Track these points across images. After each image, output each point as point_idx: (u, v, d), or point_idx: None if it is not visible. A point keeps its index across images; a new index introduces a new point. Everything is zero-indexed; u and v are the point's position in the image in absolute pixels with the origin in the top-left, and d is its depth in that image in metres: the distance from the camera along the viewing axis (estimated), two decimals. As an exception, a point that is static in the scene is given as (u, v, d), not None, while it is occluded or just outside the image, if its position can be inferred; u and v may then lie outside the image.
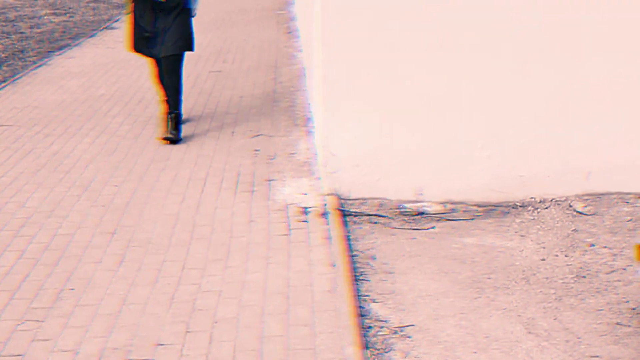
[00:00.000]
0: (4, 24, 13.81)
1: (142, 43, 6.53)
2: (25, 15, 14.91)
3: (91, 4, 15.78)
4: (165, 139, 6.43)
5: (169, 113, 6.57)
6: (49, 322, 3.72)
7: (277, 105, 7.53)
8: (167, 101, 6.59)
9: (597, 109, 4.99)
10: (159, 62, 6.61)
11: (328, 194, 5.12)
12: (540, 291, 3.97)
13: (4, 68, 10.04)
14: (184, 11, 6.52)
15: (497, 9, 4.83)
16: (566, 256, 4.36)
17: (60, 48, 11.33)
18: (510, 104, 4.97)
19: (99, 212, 5.05)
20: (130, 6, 6.53)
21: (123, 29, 5.94)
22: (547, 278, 4.11)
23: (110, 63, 9.85)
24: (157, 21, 6.44)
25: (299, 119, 7.01)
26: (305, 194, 5.19)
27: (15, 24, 13.79)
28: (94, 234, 4.71)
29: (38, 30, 12.98)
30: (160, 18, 6.44)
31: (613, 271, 4.18)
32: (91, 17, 14.10)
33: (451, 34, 4.87)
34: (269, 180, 5.49)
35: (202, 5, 14.40)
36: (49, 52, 11.08)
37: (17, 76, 9.42)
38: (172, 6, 6.42)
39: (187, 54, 6.74)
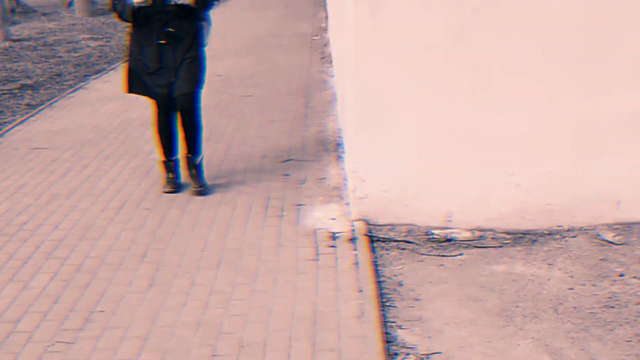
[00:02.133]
0: (42, 48, 14.08)
1: (143, 81, 5.66)
2: (63, 39, 15.19)
3: (127, 29, 16.04)
4: (198, 194, 5.77)
5: (191, 160, 5.88)
6: (79, 343, 3.78)
7: (308, 130, 7.59)
8: (187, 145, 5.88)
9: (627, 138, 4.96)
10: (163, 104, 5.76)
11: (357, 220, 5.14)
12: (568, 321, 3.95)
13: (42, 91, 10.23)
14: (195, 42, 5.66)
15: (527, 44, 4.84)
16: (594, 286, 4.33)
17: (97, 72, 11.53)
18: (540, 133, 4.96)
19: (130, 235, 5.12)
20: (128, 37, 5.73)
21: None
22: (575, 307, 4.08)
23: (145, 87, 9.99)
24: (164, 55, 5.55)
25: (329, 144, 7.05)
26: (334, 219, 5.22)
27: (53, 48, 14.06)
28: (124, 257, 4.78)
29: (75, 55, 13.22)
30: (167, 51, 5.55)
31: (643, 301, 4.14)
32: (127, 42, 14.32)
33: (481, 66, 4.88)
34: (299, 205, 5.53)
35: (234, 29, 14.53)
36: (86, 76, 11.28)
37: (54, 100, 9.60)
38: (181, 37, 5.57)
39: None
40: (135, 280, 4.45)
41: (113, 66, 11.95)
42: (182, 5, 5.46)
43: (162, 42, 5.52)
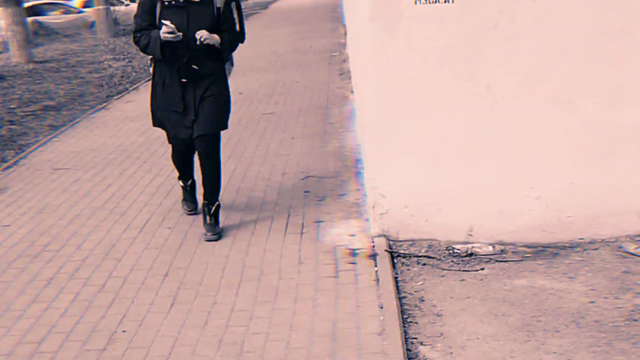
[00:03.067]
0: (64, 69, 14.26)
1: (168, 119, 5.43)
2: (85, 60, 15.37)
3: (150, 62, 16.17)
4: (207, 241, 5.34)
5: (207, 205, 5.47)
6: (101, 363, 3.81)
7: (327, 147, 7.61)
8: (205, 191, 5.48)
9: (648, 148, 4.94)
10: (184, 145, 5.58)
11: (377, 236, 5.15)
12: (591, 335, 3.92)
13: (64, 112, 10.36)
14: (220, 78, 5.43)
15: (544, 57, 4.84)
16: (616, 299, 4.29)
17: (119, 92, 11.65)
18: (560, 145, 4.94)
19: (152, 254, 5.16)
20: (151, 70, 5.53)
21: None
22: (596, 321, 4.05)
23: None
24: (187, 94, 5.31)
25: (348, 160, 7.07)
26: (354, 236, 5.23)
27: (75, 69, 14.23)
28: (146, 276, 4.81)
29: (97, 75, 13.38)
30: (189, 90, 5.31)
31: (667, 314, 4.10)
32: (149, 62, 14.45)
33: (500, 80, 4.88)
34: (318, 222, 5.54)
35: (254, 46, 14.61)
36: (108, 96, 11.40)
37: (76, 120, 9.71)
38: (204, 75, 5.31)
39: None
40: (157, 300, 4.48)
41: (135, 86, 12.08)
42: (207, 45, 5.21)
43: (184, 80, 5.27)
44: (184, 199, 5.98)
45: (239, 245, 5.22)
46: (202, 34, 5.14)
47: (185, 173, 5.88)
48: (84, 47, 18.24)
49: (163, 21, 5.11)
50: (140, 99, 10.80)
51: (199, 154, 5.41)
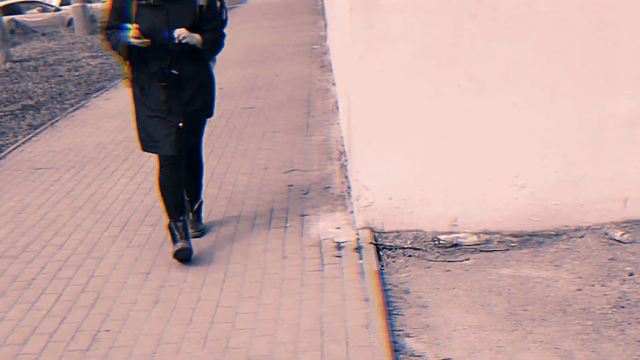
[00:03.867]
0: (42, 68, 14.12)
1: (151, 126, 4.84)
2: (63, 58, 15.24)
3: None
4: (193, 236, 5.14)
5: (190, 202, 5.28)
6: (85, 364, 3.75)
7: (311, 140, 7.56)
8: (188, 189, 5.21)
9: (632, 135, 4.93)
10: (172, 158, 4.88)
11: (362, 228, 5.11)
12: (578, 322, 3.90)
13: (43, 111, 10.25)
14: (205, 83, 4.98)
15: (526, 46, 4.82)
16: (603, 286, 4.28)
17: (98, 90, 11.55)
18: (543, 133, 4.93)
19: (134, 252, 5.10)
20: (128, 80, 4.96)
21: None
22: (584, 309, 4.04)
23: (146, 103, 9.98)
24: (169, 98, 4.79)
25: (332, 153, 7.03)
26: (339, 229, 5.19)
27: (53, 67, 14.10)
28: (129, 275, 4.76)
29: (76, 73, 13.26)
30: (171, 95, 4.80)
31: (653, 300, 4.10)
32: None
33: (481, 69, 4.86)
34: (303, 216, 5.50)
35: (234, 41, 14.54)
36: (87, 94, 11.30)
37: (56, 119, 9.62)
38: (187, 78, 4.83)
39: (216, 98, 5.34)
40: (140, 298, 4.43)
41: (114, 84, 11.97)
42: (188, 45, 4.72)
43: (166, 84, 4.77)
44: (176, 243, 4.88)
45: (223, 241, 5.17)
46: (181, 32, 4.64)
47: (176, 206, 4.96)
48: (61, 45, 18.08)
49: (130, 26, 4.64)
50: (119, 96, 10.71)
51: (186, 161, 5.10)
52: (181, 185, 5.01)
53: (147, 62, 4.78)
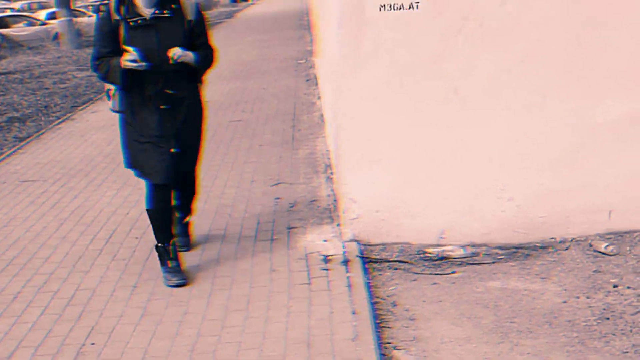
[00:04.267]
0: (29, 81, 14.09)
1: (141, 157, 4.66)
2: (50, 72, 15.20)
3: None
4: (181, 251, 5.03)
5: (180, 219, 5.18)
6: (71, 377, 3.73)
7: (297, 153, 7.57)
8: (179, 204, 5.10)
9: (616, 147, 4.97)
10: (163, 185, 4.73)
11: (349, 241, 5.12)
12: (564, 334, 3.92)
13: (29, 124, 10.22)
14: (197, 103, 4.81)
15: (511, 58, 4.85)
16: (588, 298, 4.31)
17: (84, 103, 11.53)
18: (529, 146, 4.96)
19: (120, 265, 5.08)
20: (117, 101, 4.71)
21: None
22: (569, 321, 4.06)
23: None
24: (165, 121, 4.60)
25: (319, 166, 7.04)
26: (326, 242, 5.20)
27: (40, 80, 14.06)
28: (115, 288, 4.74)
29: (62, 86, 13.23)
30: (165, 118, 4.60)
31: (638, 312, 4.11)
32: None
33: (468, 83, 4.89)
34: (290, 229, 5.50)
35: (221, 55, 14.58)
36: (73, 107, 11.27)
37: (42, 131, 9.58)
38: (182, 98, 4.65)
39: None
40: (126, 311, 4.41)
41: (100, 96, 11.96)
42: (182, 63, 4.53)
43: (161, 106, 4.57)
44: (166, 269, 4.83)
45: (209, 254, 5.16)
46: (176, 52, 4.46)
47: (165, 230, 4.86)
48: (47, 58, 18.05)
49: (126, 47, 4.44)
50: (106, 109, 10.63)
51: (180, 184, 5.00)
52: (171, 210, 4.89)
53: (139, 85, 4.54)
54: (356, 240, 5.11)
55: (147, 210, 4.82)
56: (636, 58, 4.86)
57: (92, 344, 4.05)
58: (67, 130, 9.61)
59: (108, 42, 4.53)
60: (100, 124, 9.73)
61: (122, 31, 4.50)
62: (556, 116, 4.93)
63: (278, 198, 6.21)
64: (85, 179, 7.22)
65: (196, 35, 4.65)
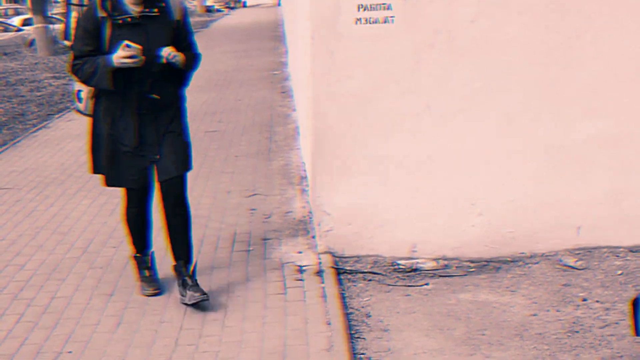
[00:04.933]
0: (4, 87, 14.01)
1: (118, 165, 4.42)
2: (25, 79, 15.14)
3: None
4: (196, 302, 4.42)
5: (184, 265, 4.57)
6: (47, 385, 3.75)
7: (272, 164, 7.64)
8: (176, 248, 4.58)
9: (585, 165, 5.09)
10: (140, 193, 4.59)
11: (323, 252, 5.19)
12: (534, 347, 4.01)
13: (4, 131, 10.18)
14: (181, 110, 4.58)
15: (483, 75, 4.96)
16: (558, 311, 4.41)
17: (60, 111, 11.50)
18: (499, 162, 5.06)
19: (96, 273, 5.11)
20: (91, 105, 4.45)
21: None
22: (539, 334, 4.15)
23: (108, 125, 9.95)
24: (145, 128, 4.37)
25: (293, 178, 7.11)
26: (301, 253, 5.26)
27: (15, 87, 14.00)
28: (91, 296, 4.76)
29: (38, 94, 13.19)
30: (148, 123, 4.38)
31: (606, 325, 4.22)
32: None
33: (440, 98, 4.99)
34: (265, 239, 5.56)
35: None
36: (49, 115, 11.25)
37: (17, 139, 9.56)
38: (165, 104, 4.43)
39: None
40: (103, 320, 4.43)
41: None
42: (168, 65, 4.30)
43: (144, 111, 4.35)
44: (143, 278, 4.79)
45: (186, 264, 5.19)
46: (169, 52, 4.24)
47: (143, 239, 4.77)
48: (23, 65, 17.96)
49: (126, 42, 4.13)
50: (82, 118, 10.68)
51: (166, 203, 4.48)
52: (149, 221, 4.75)
53: (123, 87, 4.27)
54: (330, 252, 5.18)
55: (123, 220, 4.73)
56: (604, 80, 4.99)
57: (69, 352, 4.07)
58: (43, 138, 9.59)
59: (91, 40, 4.23)
60: (75, 132, 9.72)
61: (107, 29, 4.22)
62: (527, 134, 5.04)
63: (254, 209, 6.27)
64: (61, 187, 7.23)
65: (182, 37, 4.44)
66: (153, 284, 4.76)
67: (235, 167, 7.62)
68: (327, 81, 5.01)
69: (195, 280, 4.57)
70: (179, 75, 4.48)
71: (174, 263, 4.63)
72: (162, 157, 4.43)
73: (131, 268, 5.03)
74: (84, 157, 8.32)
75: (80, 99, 4.50)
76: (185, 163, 4.52)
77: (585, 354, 3.92)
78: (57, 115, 11.09)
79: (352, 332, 4.23)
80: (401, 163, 5.08)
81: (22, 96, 12.95)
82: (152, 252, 4.89)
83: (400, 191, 5.11)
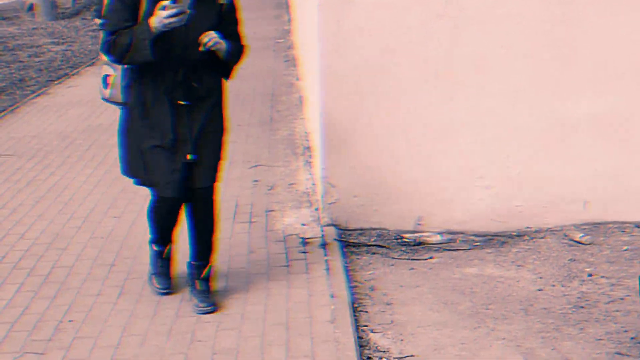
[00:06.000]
0: (2, 53, 13.87)
1: (150, 162, 3.93)
2: (24, 44, 14.98)
3: (90, 33, 15.86)
4: (201, 313, 4.05)
5: (199, 267, 4.20)
6: (48, 354, 3.73)
7: (275, 134, 7.57)
8: (196, 249, 4.20)
9: (592, 140, 5.03)
10: (174, 198, 4.01)
11: (327, 225, 5.14)
12: (539, 321, 3.98)
13: (3, 97, 10.08)
14: (220, 103, 4.08)
15: (493, 46, 4.90)
16: (563, 286, 4.37)
17: (60, 77, 11.38)
18: (509, 135, 5.01)
19: (98, 243, 5.06)
20: (116, 89, 4.00)
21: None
22: (545, 308, 4.12)
23: (109, 92, 9.85)
24: (181, 121, 3.89)
25: (297, 148, 7.04)
26: (305, 225, 5.21)
27: (14, 53, 13.85)
28: (92, 266, 4.72)
29: (37, 60, 13.05)
30: (182, 116, 3.89)
31: (612, 301, 4.19)
32: (90, 46, 14.16)
33: (448, 68, 4.92)
34: (268, 211, 5.50)
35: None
36: (49, 81, 11.13)
37: (16, 105, 9.46)
38: (204, 96, 3.95)
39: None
40: (104, 290, 4.40)
41: (76, 71, 11.82)
42: (209, 53, 3.84)
43: (180, 103, 3.88)
44: (155, 273, 4.35)
45: (185, 234, 5.13)
46: (212, 37, 3.77)
47: (166, 236, 4.32)
48: (22, 30, 17.78)
49: (165, 2, 3.63)
50: (83, 84, 10.59)
51: (195, 208, 4.09)
52: (177, 221, 4.21)
53: (156, 74, 3.84)
54: (334, 225, 5.13)
55: (147, 212, 4.23)
56: (613, 56, 4.92)
57: (70, 321, 4.04)
58: (43, 104, 9.50)
59: (129, 15, 3.75)
60: (76, 100, 9.62)
61: (143, 5, 3.76)
62: (536, 107, 4.98)
63: (256, 180, 6.21)
64: (62, 155, 7.16)
65: (227, 23, 3.96)
66: (166, 281, 4.32)
67: (237, 137, 7.52)
68: (335, 50, 4.93)
69: (207, 286, 4.18)
70: (221, 65, 3.98)
71: (190, 260, 4.25)
72: (200, 160, 3.95)
73: (133, 237, 4.97)
74: (84, 125, 8.26)
75: (106, 85, 4.04)
76: (218, 169, 4.10)
77: (591, 329, 3.89)
78: (56, 82, 10.97)
79: (356, 305, 4.20)
80: (408, 134, 5.01)
81: (21, 62, 12.80)
82: (171, 249, 4.41)
83: (406, 163, 5.05)
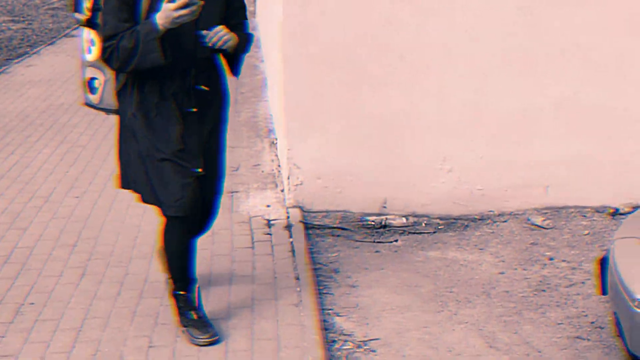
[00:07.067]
0: (-41, 30, 13.60)
1: (154, 179, 3.46)
2: (-19, 22, 14.70)
3: (50, 11, 15.61)
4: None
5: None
6: (9, 337, 3.67)
7: (239, 116, 7.53)
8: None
9: (554, 125, 5.08)
10: (190, 215, 3.52)
11: (292, 207, 5.14)
12: (501, 305, 4.03)
13: (-39, 76, 9.89)
14: (224, 108, 3.70)
15: (457, 32, 4.93)
16: (525, 270, 4.43)
17: (19, 56, 11.19)
18: (470, 119, 5.04)
19: (59, 224, 5.00)
20: (133, 102, 3.43)
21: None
22: (506, 292, 4.17)
23: (70, 71, 9.73)
24: (188, 128, 3.45)
25: (261, 130, 7.02)
26: (269, 206, 5.21)
27: (-29, 30, 13.59)
28: (54, 247, 4.66)
29: (-4, 38, 12.81)
30: (190, 124, 3.47)
31: (572, 285, 4.25)
32: (50, 25, 13.95)
33: (411, 52, 4.94)
34: (233, 192, 5.48)
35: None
36: (8, 60, 10.93)
37: (-25, 84, 9.29)
38: (211, 100, 3.56)
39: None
40: (66, 271, 4.35)
41: (36, 50, 11.64)
42: (214, 49, 3.43)
43: (187, 109, 3.46)
44: (190, 322, 3.61)
45: (150, 215, 5.05)
46: (221, 35, 3.35)
47: (187, 271, 3.68)
48: (-21, 7, 17.45)
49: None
50: (42, 63, 10.43)
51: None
52: (193, 247, 3.71)
53: (161, 77, 3.40)
54: (299, 206, 5.13)
55: (161, 246, 3.73)
56: (574, 45, 4.97)
57: (32, 303, 3.99)
58: (2, 83, 9.33)
59: (128, 14, 3.31)
60: (36, 79, 9.48)
61: (146, 3, 3.33)
62: (499, 92, 5.02)
63: (220, 161, 6.17)
64: (22, 135, 7.05)
65: (233, 12, 3.58)
66: (206, 329, 3.59)
67: (201, 118, 7.49)
68: (299, 33, 4.92)
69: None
70: (229, 60, 3.62)
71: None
72: (207, 171, 3.57)
73: (95, 217, 4.92)
74: (44, 105, 8.14)
75: (93, 90, 3.64)
76: (221, 180, 3.82)
77: (551, 312, 3.95)
78: (16, 61, 10.79)
79: (320, 287, 4.20)
80: (372, 117, 5.02)
81: (-20, 40, 12.58)
82: (199, 288, 3.81)
83: (370, 146, 5.07)
